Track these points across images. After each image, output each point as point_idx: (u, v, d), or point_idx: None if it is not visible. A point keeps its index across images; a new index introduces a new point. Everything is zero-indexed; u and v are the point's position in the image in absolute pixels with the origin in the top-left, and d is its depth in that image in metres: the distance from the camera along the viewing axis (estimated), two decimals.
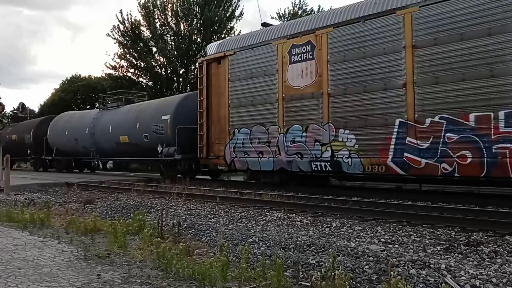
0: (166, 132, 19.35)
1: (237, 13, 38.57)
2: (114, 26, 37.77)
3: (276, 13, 47.97)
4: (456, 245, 6.49)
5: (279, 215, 9.60)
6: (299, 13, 48.70)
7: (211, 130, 17.20)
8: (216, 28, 36.90)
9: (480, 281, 4.63)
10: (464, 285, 4.52)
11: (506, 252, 6.00)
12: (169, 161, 19.48)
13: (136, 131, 21.35)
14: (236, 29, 39.00)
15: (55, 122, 29.58)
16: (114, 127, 23.31)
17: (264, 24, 27.81)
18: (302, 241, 6.62)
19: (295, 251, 6.25)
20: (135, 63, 38.08)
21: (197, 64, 17.93)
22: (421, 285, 4.62)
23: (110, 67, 38.68)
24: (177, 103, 19.92)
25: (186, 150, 18.62)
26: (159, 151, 19.58)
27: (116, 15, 39.43)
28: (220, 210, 10.60)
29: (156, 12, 37.60)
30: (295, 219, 9.09)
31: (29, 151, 31.41)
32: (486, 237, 7.00)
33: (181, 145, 18.59)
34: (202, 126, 17.40)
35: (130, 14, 37.71)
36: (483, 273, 4.90)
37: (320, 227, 8.33)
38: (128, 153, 23.05)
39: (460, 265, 5.30)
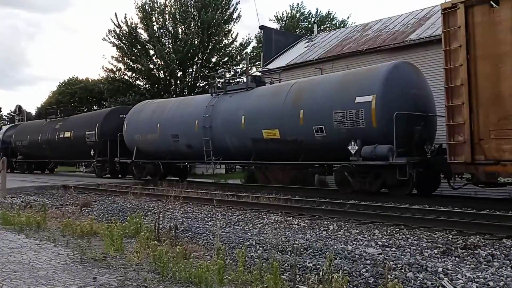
0: (368, 121, 12.96)
1: (234, 16, 38.65)
2: (109, 30, 37.76)
3: (274, 16, 48.02)
4: (453, 248, 6.48)
5: (276, 218, 9.58)
6: (297, 16, 48.92)
7: (478, 117, 10.61)
8: (213, 31, 36.92)
9: (477, 284, 4.62)
10: None
11: (503, 256, 6.00)
12: (374, 168, 12.85)
13: (298, 122, 14.69)
14: (233, 32, 39.07)
15: (135, 113, 22.39)
16: (249, 117, 16.42)
17: (262, 27, 27.93)
18: (299, 244, 6.61)
19: (292, 254, 6.23)
20: (132, 66, 38.05)
21: (440, 11, 11.99)
22: None
23: (107, 70, 38.67)
24: (385, 76, 13.12)
25: (402, 150, 12.43)
26: (353, 151, 13.12)
27: (111, 19, 39.41)
28: (217, 213, 10.58)
29: (153, 15, 37.62)
30: (293, 222, 9.08)
31: (92, 152, 24.63)
32: (483, 241, 7.00)
33: (399, 142, 12.29)
34: (460, 110, 10.79)
35: (127, 17, 37.71)
36: (480, 277, 4.89)
37: (317, 230, 8.32)
38: (273, 154, 16.06)
39: (457, 268, 5.29)
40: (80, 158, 27.71)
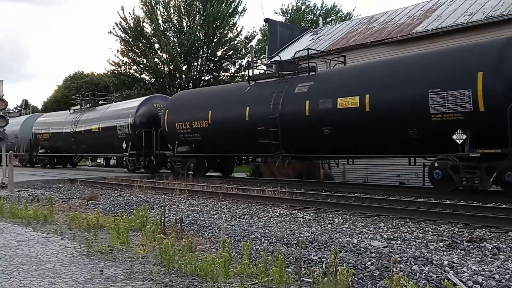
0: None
1: (239, 9, 38.54)
2: (116, 24, 37.79)
3: (280, 8, 47.81)
4: (458, 241, 6.48)
5: (281, 211, 9.60)
6: (302, 9, 48.71)
7: None
8: (218, 24, 36.84)
9: (483, 277, 4.62)
10: (467, 281, 4.51)
11: (509, 248, 5.99)
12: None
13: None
14: (238, 25, 38.97)
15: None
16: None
17: (267, 20, 27.85)
18: (305, 237, 6.62)
19: (297, 247, 6.24)
20: (137, 60, 38.09)
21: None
22: (423, 282, 4.61)
23: (113, 64, 38.73)
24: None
25: None
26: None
27: (118, 12, 39.39)
28: (222, 207, 10.61)
29: (158, 8, 37.59)
30: (298, 216, 9.09)
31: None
32: (489, 234, 6.99)
33: None
34: None
35: (133, 11, 37.76)
36: (485, 269, 4.88)
37: (322, 223, 8.34)
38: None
39: (462, 261, 5.29)
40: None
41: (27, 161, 31.93)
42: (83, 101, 28.58)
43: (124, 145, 22.51)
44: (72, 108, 29.25)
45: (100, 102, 28.38)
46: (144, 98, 24.14)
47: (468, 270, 4.87)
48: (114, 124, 23.33)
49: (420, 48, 16.65)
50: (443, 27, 17.26)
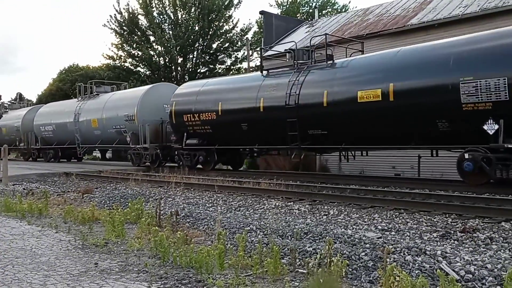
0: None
1: (235, 1, 38.38)
2: (111, 16, 37.64)
3: (275, 1, 47.63)
4: (452, 232, 6.51)
5: (277, 204, 9.62)
6: (297, 1, 48.54)
7: None
8: (214, 16, 36.71)
9: (475, 267, 4.65)
10: (459, 271, 4.55)
11: (502, 239, 6.03)
12: None
13: None
14: (234, 18, 38.85)
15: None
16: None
17: (263, 12, 27.77)
18: (300, 229, 6.64)
19: (292, 238, 6.27)
20: (132, 52, 37.97)
21: None
22: (416, 272, 4.65)
23: (108, 57, 38.59)
24: None
25: None
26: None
27: (114, 5, 39.24)
28: (218, 199, 10.62)
29: (153, 1, 37.40)
30: (293, 207, 9.12)
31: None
32: (482, 224, 7.02)
33: None
34: None
35: (128, 4, 37.56)
36: (478, 259, 4.92)
37: (317, 215, 8.36)
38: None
39: (455, 251, 5.32)
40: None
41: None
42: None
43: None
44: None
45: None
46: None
47: (460, 260, 4.90)
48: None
49: (416, 40, 16.65)
50: (438, 19, 17.28)
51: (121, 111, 21.74)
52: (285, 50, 17.25)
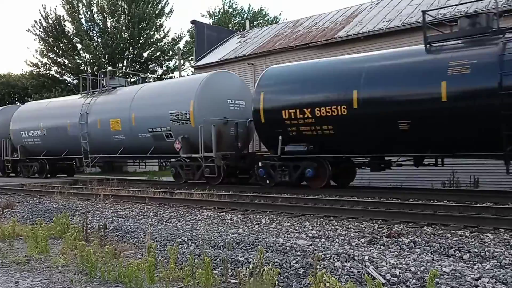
0: None
1: (166, 10, 38.05)
2: (35, 21, 36.01)
3: (206, 11, 47.70)
4: (378, 237, 6.76)
5: (209, 214, 9.56)
6: (229, 12, 48.91)
7: None
8: (144, 25, 36.13)
9: (400, 270, 4.84)
10: (385, 275, 4.71)
11: (424, 242, 6.32)
12: None
13: None
14: (165, 27, 38.46)
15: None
16: None
17: (194, 22, 27.71)
18: (232, 239, 6.63)
19: (224, 249, 6.24)
20: (58, 60, 36.48)
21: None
22: (345, 277, 4.76)
23: (32, 64, 36.85)
24: None
25: None
26: None
27: (39, 10, 37.56)
28: (149, 211, 10.39)
29: (81, 7, 36.24)
30: (225, 218, 9.09)
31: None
32: (406, 229, 7.35)
33: None
34: None
35: (54, 9, 36.14)
36: (403, 263, 5.13)
37: (250, 224, 8.39)
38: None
39: (382, 256, 5.52)
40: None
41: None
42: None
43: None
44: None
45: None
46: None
47: (387, 264, 5.09)
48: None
49: (343, 52, 17.25)
50: (364, 32, 18.01)
51: (164, 108, 16.06)
52: (458, 16, 12.15)
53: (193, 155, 15.27)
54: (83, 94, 20.43)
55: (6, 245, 7.00)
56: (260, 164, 13.99)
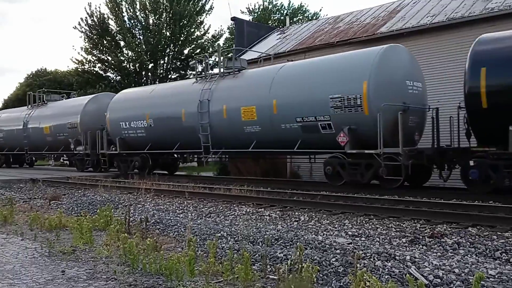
0: None
1: (206, 7, 38.35)
2: (81, 19, 37.05)
3: (246, 8, 47.81)
4: (420, 237, 6.62)
5: (248, 210, 9.60)
6: (269, 8, 48.86)
7: None
8: (185, 22, 36.57)
9: (443, 271, 4.73)
10: (428, 276, 4.61)
11: (468, 243, 6.15)
12: None
13: None
14: (205, 24, 38.79)
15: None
16: None
17: (234, 19, 27.82)
18: (270, 235, 6.64)
19: (263, 245, 6.26)
20: (102, 57, 37.45)
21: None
22: (386, 277, 4.69)
23: (77, 62, 37.96)
24: None
25: None
26: None
27: (85, 8, 38.58)
28: (188, 205, 10.53)
29: (124, 5, 37.05)
30: (264, 214, 9.11)
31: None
32: (449, 229, 7.17)
33: None
34: None
35: (98, 7, 37.08)
36: (446, 264, 5.01)
37: (288, 221, 8.38)
38: None
39: (424, 256, 5.41)
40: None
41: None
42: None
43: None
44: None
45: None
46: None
47: (429, 265, 4.98)
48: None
49: None
50: (407, 27, 17.61)
51: (321, 92, 13.11)
52: None
53: (366, 151, 12.13)
54: (198, 79, 17.92)
55: (53, 235, 7.23)
56: (471, 163, 10.59)
